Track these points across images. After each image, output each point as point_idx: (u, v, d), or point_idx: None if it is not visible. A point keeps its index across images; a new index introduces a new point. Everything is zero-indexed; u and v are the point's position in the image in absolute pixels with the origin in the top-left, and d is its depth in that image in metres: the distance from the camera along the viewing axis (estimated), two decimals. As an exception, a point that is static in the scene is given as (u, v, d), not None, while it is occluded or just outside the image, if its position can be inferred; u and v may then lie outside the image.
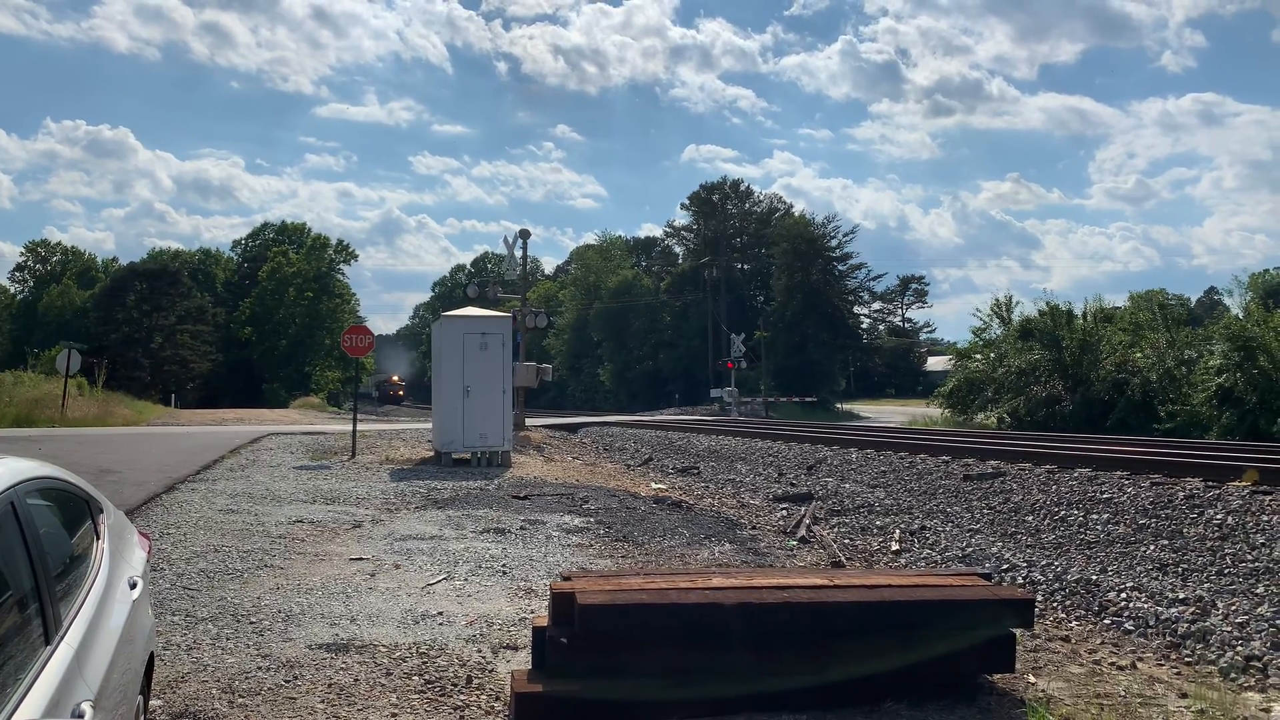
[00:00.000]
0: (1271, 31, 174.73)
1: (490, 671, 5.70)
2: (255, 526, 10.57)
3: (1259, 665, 6.74)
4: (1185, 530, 9.95)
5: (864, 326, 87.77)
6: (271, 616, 6.76)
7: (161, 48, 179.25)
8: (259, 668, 5.62)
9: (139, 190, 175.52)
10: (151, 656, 3.94)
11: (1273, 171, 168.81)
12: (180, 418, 39.05)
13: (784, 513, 14.27)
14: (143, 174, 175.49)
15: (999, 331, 45.24)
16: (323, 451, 19.62)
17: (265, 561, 8.71)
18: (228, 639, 6.19)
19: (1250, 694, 6.33)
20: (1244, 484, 10.95)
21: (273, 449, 20.04)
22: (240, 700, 5.10)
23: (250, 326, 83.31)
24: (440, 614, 6.97)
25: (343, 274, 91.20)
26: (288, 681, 5.40)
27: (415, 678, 5.53)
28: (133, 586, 3.70)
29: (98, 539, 3.65)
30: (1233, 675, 6.69)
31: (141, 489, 12.94)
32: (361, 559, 8.93)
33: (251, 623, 6.58)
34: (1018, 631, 5.75)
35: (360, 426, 22.15)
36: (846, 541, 12.09)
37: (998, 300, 47.86)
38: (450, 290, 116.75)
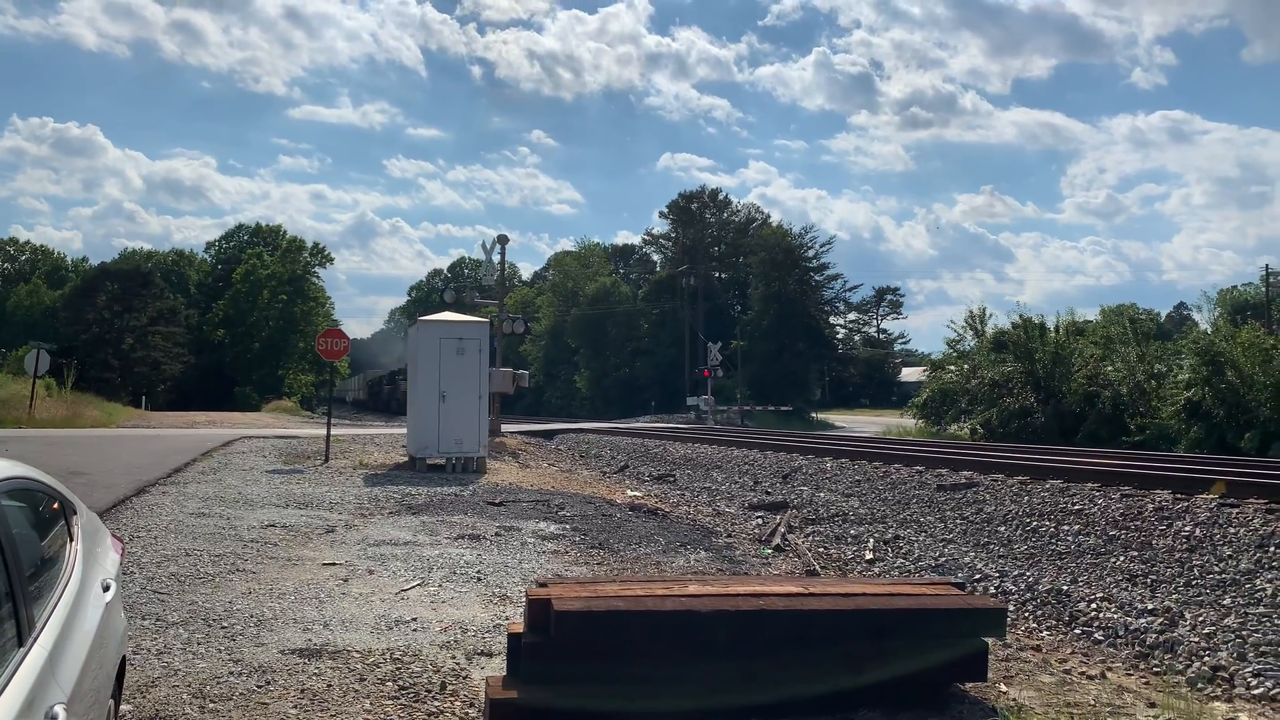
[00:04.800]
0: (1240, 50, 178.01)
1: (464, 678, 5.68)
2: (227, 530, 10.47)
3: (1225, 675, 6.84)
4: (1154, 542, 10.08)
5: (839, 337, 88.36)
6: (243, 621, 6.70)
7: (131, 45, 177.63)
8: (230, 673, 5.56)
9: (108, 189, 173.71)
10: (123, 660, 3.90)
11: (1240, 189, 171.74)
12: (151, 420, 38.62)
13: (759, 521, 14.32)
14: (112, 173, 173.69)
15: (973, 343, 45.66)
16: (296, 456, 19.46)
17: (237, 566, 8.63)
18: (199, 643, 6.12)
19: (1217, 704, 6.43)
20: (1212, 496, 11.11)
21: (245, 452, 19.86)
22: (211, 705, 5.05)
23: (223, 329, 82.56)
24: (414, 620, 6.94)
25: (317, 277, 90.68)
26: (259, 687, 5.35)
27: (389, 684, 5.50)
28: (106, 589, 3.66)
29: (71, 540, 3.61)
30: (1200, 685, 6.78)
31: (111, 491, 12.78)
32: (335, 564, 8.87)
33: (223, 627, 6.52)
34: (990, 641, 5.80)
35: (334, 431, 22.00)
36: (821, 550, 12.15)
37: (971, 312, 48.35)
38: (426, 295, 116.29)
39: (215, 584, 7.89)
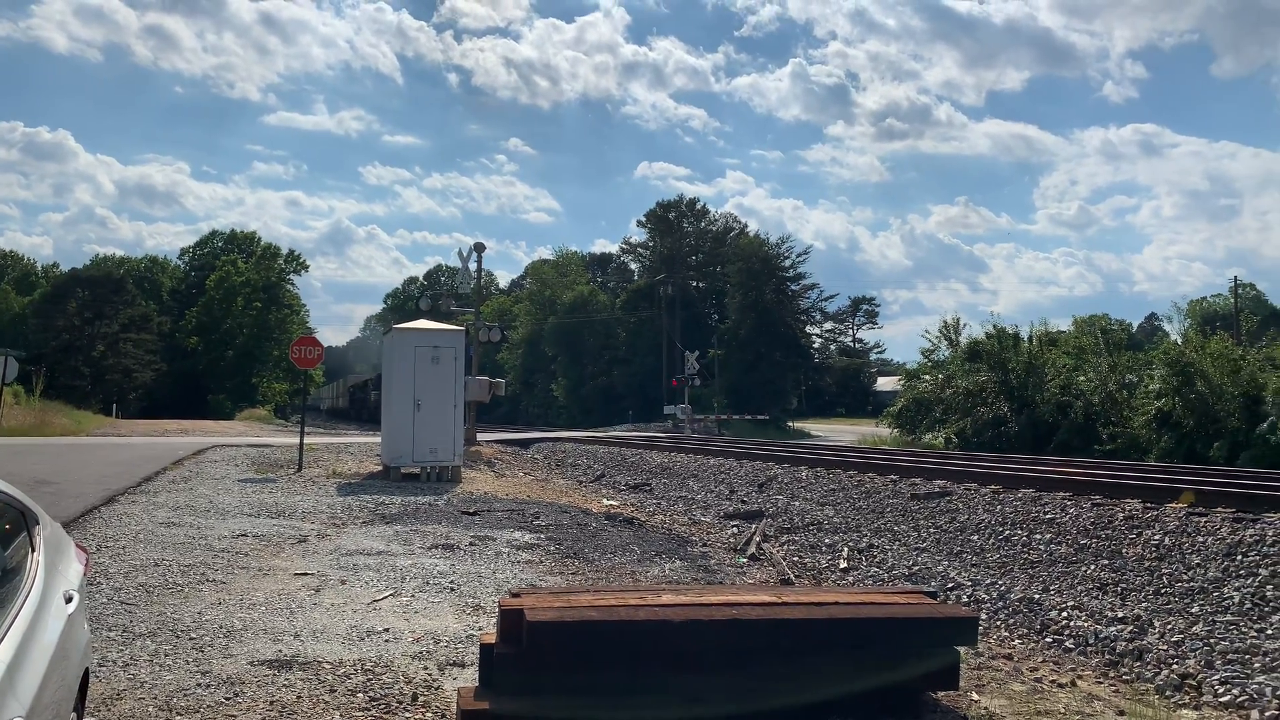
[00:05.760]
0: (1209, 65, 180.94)
1: (437, 689, 5.64)
2: (197, 540, 10.36)
3: (1193, 683, 6.91)
4: (1124, 550, 10.18)
5: (816, 346, 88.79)
6: (212, 632, 6.62)
7: (103, 49, 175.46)
8: (198, 685, 5.49)
9: (79, 195, 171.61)
10: (86, 673, 3.84)
11: (1209, 202, 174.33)
12: (121, 428, 38.15)
13: (735, 530, 14.33)
14: (83, 178, 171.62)
15: (947, 353, 46.02)
16: (268, 465, 19.28)
17: (207, 576, 8.54)
18: (166, 655, 6.05)
19: (1185, 711, 6.49)
20: (1181, 506, 11.24)
21: (217, 461, 19.65)
22: (178, 718, 4.98)
23: (196, 336, 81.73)
24: (386, 630, 6.89)
25: (292, 284, 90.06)
26: (228, 699, 5.29)
27: (360, 695, 5.45)
28: (68, 600, 3.61)
29: (33, 551, 3.55)
30: (1168, 693, 6.85)
31: (79, 501, 12.61)
32: (306, 574, 8.79)
33: (191, 639, 6.44)
34: (962, 649, 5.83)
35: (308, 439, 21.83)
36: (796, 559, 12.17)
37: (946, 322, 48.77)
38: (402, 302, 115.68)
39: (184, 594, 7.79)
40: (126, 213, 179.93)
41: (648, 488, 20.50)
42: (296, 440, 20.81)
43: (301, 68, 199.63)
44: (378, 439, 24.24)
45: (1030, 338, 40.44)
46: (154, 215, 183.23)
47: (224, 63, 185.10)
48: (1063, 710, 5.93)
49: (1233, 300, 65.19)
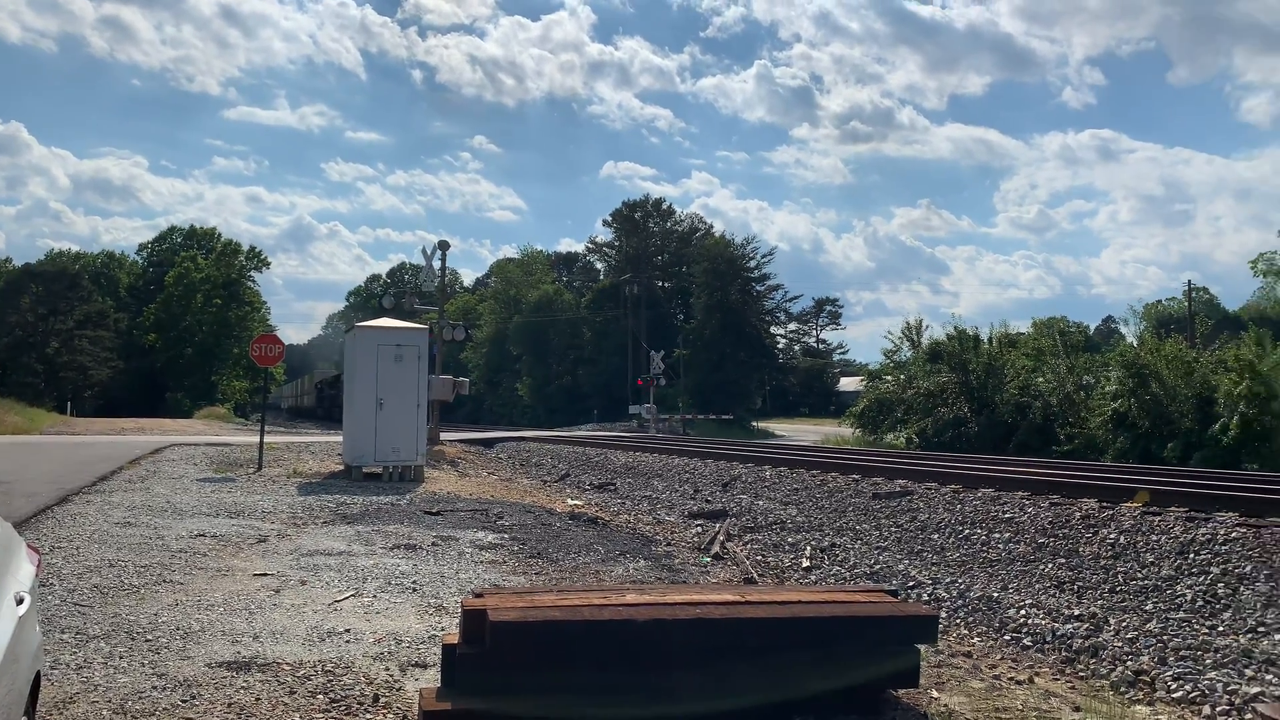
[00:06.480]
0: (1165, 73, 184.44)
1: (398, 690, 5.59)
2: (154, 540, 10.19)
3: (1147, 679, 7.04)
4: (1081, 549, 10.34)
5: (780, 347, 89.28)
6: (169, 634, 6.51)
7: (58, 40, 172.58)
8: (154, 687, 5.40)
9: (33, 188, 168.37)
10: (38, 676, 3.76)
11: (1164, 207, 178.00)
12: (76, 426, 37.43)
13: (699, 529, 14.37)
14: (37, 171, 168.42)
15: (909, 354, 46.53)
16: (228, 464, 19.02)
17: (164, 577, 8.40)
18: (121, 657, 5.94)
19: (1139, 707, 6.61)
20: (1136, 505, 11.44)
21: (175, 460, 19.35)
22: (133, 721, 4.90)
23: (155, 333, 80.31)
24: (347, 631, 6.82)
25: (253, 281, 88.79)
26: (184, 701, 5.21)
27: (320, 696, 5.39)
28: (20, 602, 3.53)
29: (-18, 552, 3.47)
30: (1123, 689, 6.97)
31: (32, 500, 12.36)
32: (266, 574, 8.68)
33: (147, 640, 6.33)
34: (922, 647, 5.89)
35: (268, 438, 21.56)
36: (759, 558, 12.23)
37: (908, 324, 49.28)
38: (365, 300, 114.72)
39: (140, 595, 7.66)
40: (82, 207, 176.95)
41: (612, 487, 20.49)
42: (256, 439, 20.54)
43: (263, 62, 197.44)
44: (339, 438, 24.01)
45: (990, 339, 41.00)
46: (110, 210, 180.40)
47: (183, 55, 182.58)
48: (1020, 707, 6.01)
49: (1187, 304, 66.50)
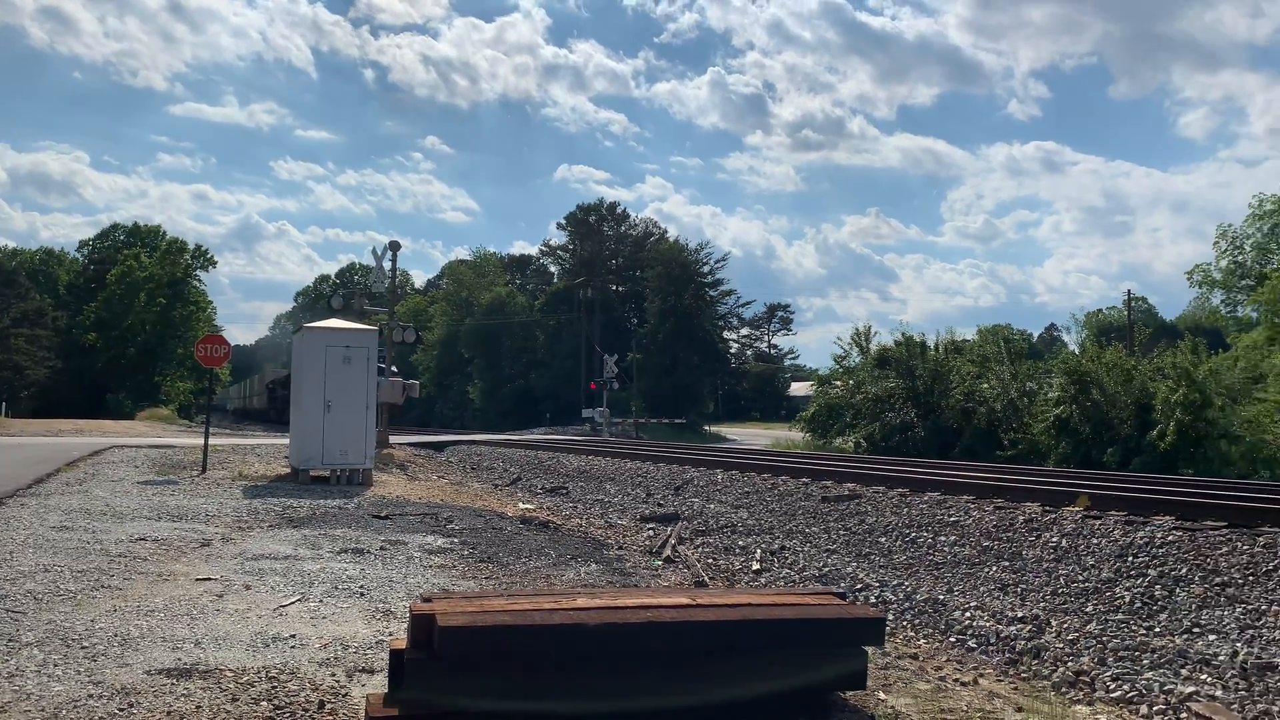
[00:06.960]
0: (1107, 87, 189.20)
1: (344, 696, 5.51)
2: (92, 545, 9.92)
3: (1087, 680, 7.19)
4: (1024, 552, 10.54)
5: (732, 351, 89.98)
6: (107, 640, 6.35)
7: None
8: (90, 695, 5.26)
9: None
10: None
11: (1105, 218, 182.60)
12: (11, 428, 36.35)
13: (650, 533, 14.39)
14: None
15: (858, 360, 46.98)
16: (170, 466, 18.61)
17: (102, 582, 8.19)
18: (55, 665, 5.77)
19: (1079, 707, 6.75)
20: (1077, 509, 11.69)
21: (115, 462, 18.88)
22: (68, 731, 4.76)
23: (95, 332, 78.27)
24: (293, 636, 6.70)
25: (199, 280, 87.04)
26: (121, 710, 5.08)
27: (263, 703, 5.30)
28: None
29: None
30: (1064, 689, 7.11)
31: (-37, 504, 11.97)
32: (209, 579, 8.50)
33: (84, 647, 6.16)
34: (870, 649, 5.96)
35: (213, 440, 21.14)
36: (710, 561, 12.27)
37: (857, 330, 49.71)
38: (314, 301, 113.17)
39: (77, 602, 7.46)
40: (20, 202, 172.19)
41: (564, 491, 20.43)
42: (200, 441, 20.14)
43: (210, 58, 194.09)
44: (286, 440, 23.63)
45: (937, 346, 41.66)
46: (50, 205, 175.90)
47: (127, 49, 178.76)
48: (965, 708, 6.10)
49: (1126, 313, 68.20)
